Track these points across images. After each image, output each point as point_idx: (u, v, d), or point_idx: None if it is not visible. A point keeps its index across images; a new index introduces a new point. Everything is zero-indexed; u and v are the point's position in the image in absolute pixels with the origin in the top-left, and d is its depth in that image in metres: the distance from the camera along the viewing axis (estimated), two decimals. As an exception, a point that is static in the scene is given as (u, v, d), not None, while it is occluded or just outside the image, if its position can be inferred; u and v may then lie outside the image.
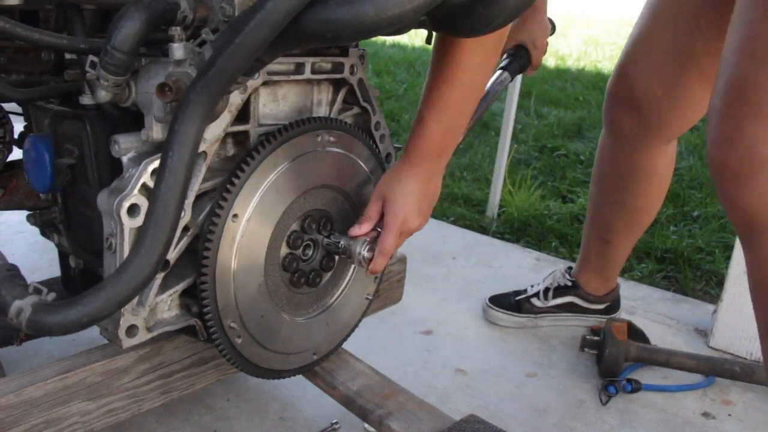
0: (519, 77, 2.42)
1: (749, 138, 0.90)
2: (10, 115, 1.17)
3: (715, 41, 1.00)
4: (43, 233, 1.16)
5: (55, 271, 1.22)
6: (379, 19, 0.61)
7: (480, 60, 0.97)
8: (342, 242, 1.02)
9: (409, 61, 5.67)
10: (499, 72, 1.44)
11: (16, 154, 1.11)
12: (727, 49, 0.96)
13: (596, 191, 1.63)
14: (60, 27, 0.98)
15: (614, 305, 1.74)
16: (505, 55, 1.48)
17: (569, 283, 1.72)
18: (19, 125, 1.16)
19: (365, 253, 0.99)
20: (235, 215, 0.90)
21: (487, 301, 1.77)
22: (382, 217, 1.00)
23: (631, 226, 1.60)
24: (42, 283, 0.76)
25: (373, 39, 7.26)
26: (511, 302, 1.74)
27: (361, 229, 1.00)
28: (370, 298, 1.18)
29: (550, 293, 1.72)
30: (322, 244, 1.05)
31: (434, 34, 0.98)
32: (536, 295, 1.73)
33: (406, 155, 1.02)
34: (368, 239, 1.00)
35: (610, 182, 1.58)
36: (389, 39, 7.01)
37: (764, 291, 0.95)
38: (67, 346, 1.45)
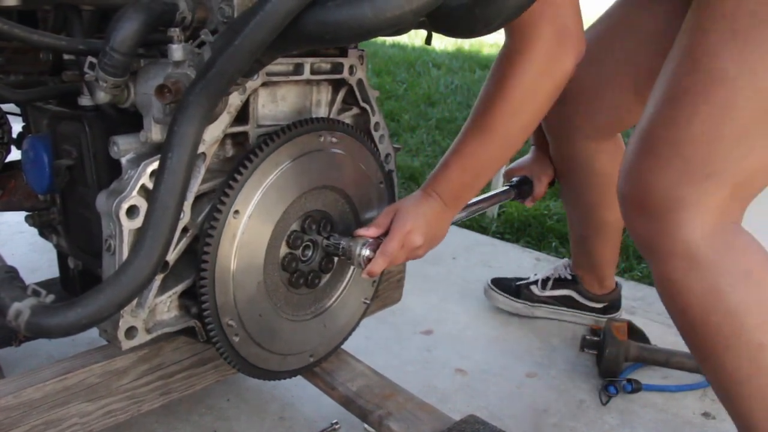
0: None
1: (646, 172, 0.97)
2: (9, 116, 1.17)
3: (657, 61, 1.03)
4: (42, 234, 1.16)
5: (54, 271, 1.22)
6: (378, 21, 0.61)
7: (519, 125, 1.02)
8: (342, 243, 1.02)
9: (409, 61, 5.66)
10: (506, 187, 1.58)
11: (15, 155, 1.11)
12: (655, 88, 1.01)
13: (561, 189, 1.67)
14: (58, 28, 0.98)
15: (613, 306, 1.74)
16: (513, 179, 1.61)
17: (569, 277, 1.74)
18: (17, 126, 1.16)
19: (365, 253, 1.00)
20: (237, 211, 0.90)
21: (489, 282, 1.81)
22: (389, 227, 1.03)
23: (595, 222, 1.61)
24: (41, 283, 0.76)
25: (373, 39, 7.26)
26: (511, 286, 1.78)
27: (368, 231, 1.02)
28: (368, 302, 1.18)
29: (549, 283, 1.74)
30: (321, 245, 1.05)
31: (433, 34, 0.98)
32: (536, 282, 1.76)
33: (425, 186, 1.07)
34: (370, 240, 1.01)
35: (563, 180, 1.61)
36: (389, 39, 7.00)
37: (669, 304, 1.01)
38: (66, 347, 1.45)
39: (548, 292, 1.74)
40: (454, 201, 1.07)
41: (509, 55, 0.99)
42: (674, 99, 0.95)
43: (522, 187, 1.58)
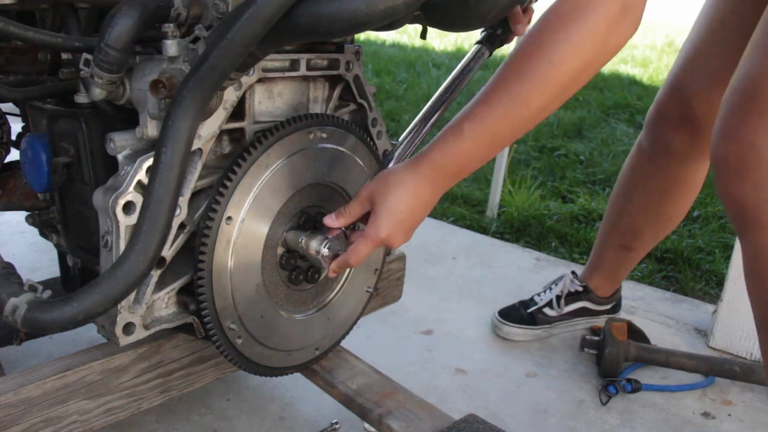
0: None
1: (752, 133, 0.90)
2: (8, 116, 1.17)
3: None
4: (42, 234, 1.16)
5: (55, 270, 1.22)
6: (372, 13, 0.61)
7: (552, 92, 0.85)
8: (302, 240, 0.97)
9: (409, 61, 5.67)
10: (476, 47, 1.21)
11: (15, 155, 1.11)
12: (750, 44, 0.94)
13: (624, 201, 1.58)
14: (56, 27, 0.98)
15: (618, 304, 1.74)
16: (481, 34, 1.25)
17: (580, 288, 1.69)
18: (16, 126, 1.16)
19: (324, 251, 0.94)
20: (229, 218, 0.90)
21: (498, 317, 1.69)
22: (362, 216, 0.94)
23: (659, 234, 1.59)
24: (41, 283, 0.76)
25: (373, 38, 7.21)
26: (523, 315, 1.67)
27: (336, 221, 0.94)
28: (371, 290, 1.18)
29: (562, 300, 1.68)
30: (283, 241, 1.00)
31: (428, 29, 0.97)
32: (548, 304, 1.68)
33: (417, 163, 0.91)
34: (329, 237, 0.95)
35: (646, 193, 1.53)
36: (389, 39, 7.02)
37: (759, 284, 0.95)
38: (67, 346, 1.45)
39: (564, 310, 1.68)
40: (455, 176, 0.92)
41: (565, 11, 0.83)
42: None
43: (494, 37, 1.20)
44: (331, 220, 0.93)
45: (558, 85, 0.84)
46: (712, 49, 1.31)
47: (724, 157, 0.94)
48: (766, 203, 0.90)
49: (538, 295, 1.72)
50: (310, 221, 1.02)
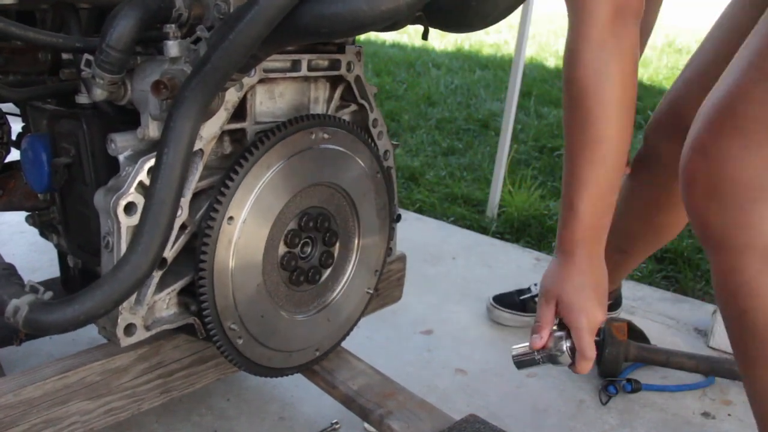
0: (520, 70, 2.42)
1: (723, 152, 0.87)
2: (9, 117, 1.17)
3: None
4: (42, 234, 1.16)
5: (55, 271, 1.22)
6: (374, 14, 0.61)
7: (616, 128, 0.90)
8: (537, 355, 0.99)
9: (409, 61, 5.67)
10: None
11: (15, 155, 1.11)
12: (735, 59, 0.92)
13: (623, 206, 1.56)
14: (57, 28, 0.98)
15: (616, 303, 1.74)
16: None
17: None
18: (16, 126, 1.16)
19: (568, 345, 0.98)
20: (231, 218, 0.90)
21: (491, 301, 1.76)
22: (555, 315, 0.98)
23: (654, 241, 1.59)
24: (41, 283, 0.76)
25: (374, 39, 7.21)
26: (515, 301, 1.73)
27: (542, 338, 0.97)
28: (372, 291, 1.18)
29: None
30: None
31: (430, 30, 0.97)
32: None
33: (562, 248, 0.97)
34: (563, 335, 0.98)
35: (641, 202, 1.54)
36: (389, 39, 7.01)
37: (725, 306, 0.93)
38: (67, 346, 1.45)
39: None
40: (595, 241, 0.96)
41: (571, 43, 0.90)
42: (762, 62, 0.83)
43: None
44: (539, 341, 0.97)
45: (619, 106, 0.88)
46: (714, 69, 1.30)
47: (692, 173, 0.91)
48: (731, 226, 0.86)
49: (535, 284, 1.76)
50: (311, 222, 1.02)
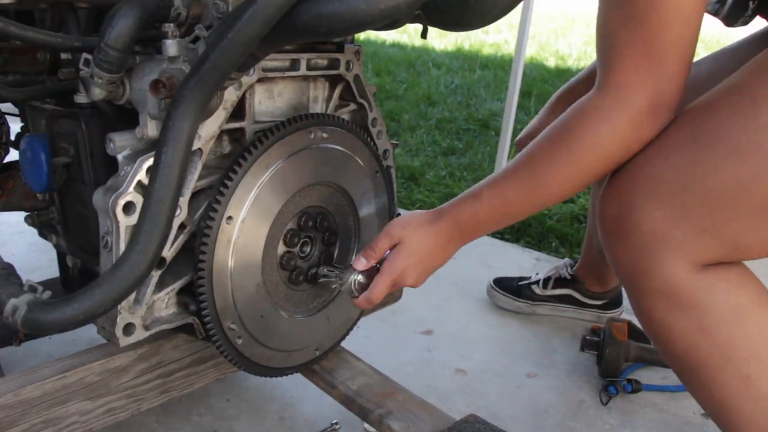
0: (520, 70, 2.42)
1: (632, 197, 0.86)
2: (7, 117, 1.17)
3: None
4: (42, 234, 1.16)
5: (54, 271, 1.22)
6: (372, 13, 0.61)
7: (574, 186, 0.91)
8: (333, 275, 1.03)
9: (409, 61, 5.67)
10: None
11: (14, 155, 1.11)
12: (675, 124, 0.89)
13: (595, 208, 1.58)
14: (56, 27, 0.98)
15: (614, 302, 1.75)
16: None
17: (569, 277, 1.76)
18: (15, 126, 1.16)
19: (354, 290, 1.00)
20: (230, 217, 0.90)
21: (492, 282, 1.83)
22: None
23: None
24: (41, 283, 0.75)
25: (373, 38, 7.21)
26: (513, 286, 1.80)
27: (361, 264, 0.99)
28: None
29: (550, 283, 1.77)
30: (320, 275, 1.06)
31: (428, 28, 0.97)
32: (537, 282, 1.78)
33: (440, 213, 0.98)
34: (360, 274, 1.00)
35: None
36: (389, 38, 7.01)
37: (654, 340, 0.94)
38: (66, 347, 1.45)
39: (549, 292, 1.77)
40: (470, 234, 0.98)
41: (590, 109, 0.87)
42: (701, 142, 0.83)
43: None
44: (360, 264, 0.99)
45: (575, 176, 0.89)
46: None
47: (603, 211, 0.90)
48: (639, 271, 0.86)
49: (536, 273, 1.82)
50: (310, 221, 1.02)
